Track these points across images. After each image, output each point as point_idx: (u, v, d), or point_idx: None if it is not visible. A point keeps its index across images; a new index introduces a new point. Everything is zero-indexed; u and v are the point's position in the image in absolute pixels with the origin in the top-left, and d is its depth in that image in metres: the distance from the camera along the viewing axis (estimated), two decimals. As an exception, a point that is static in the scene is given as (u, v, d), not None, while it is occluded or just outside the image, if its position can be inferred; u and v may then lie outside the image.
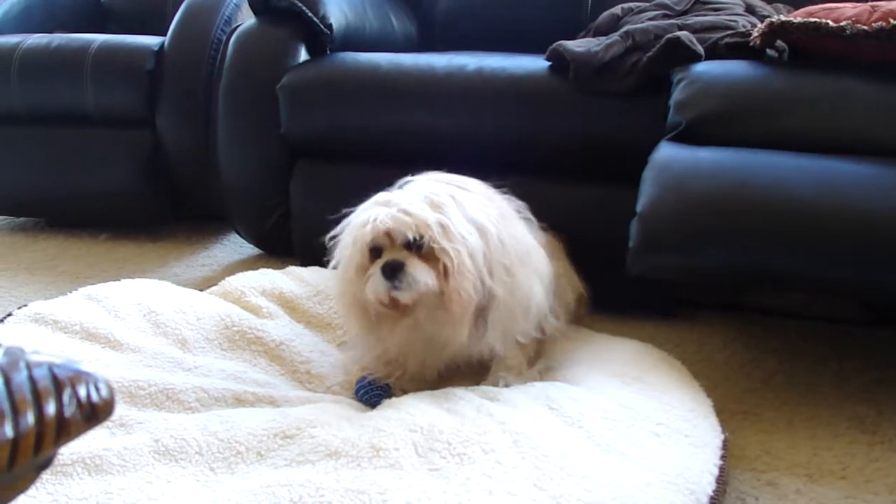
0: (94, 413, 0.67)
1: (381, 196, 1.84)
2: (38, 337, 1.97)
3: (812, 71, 2.19)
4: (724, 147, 2.05)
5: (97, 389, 0.68)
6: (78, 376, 0.67)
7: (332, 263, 1.88)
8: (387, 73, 2.61)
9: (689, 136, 2.12)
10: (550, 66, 2.50)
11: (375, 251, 1.80)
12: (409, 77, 2.59)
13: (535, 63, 2.53)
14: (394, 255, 1.76)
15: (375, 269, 1.77)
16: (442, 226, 1.75)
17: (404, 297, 1.76)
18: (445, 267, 1.74)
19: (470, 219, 1.80)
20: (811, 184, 1.91)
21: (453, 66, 2.57)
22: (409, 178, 1.89)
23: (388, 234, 1.76)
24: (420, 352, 1.89)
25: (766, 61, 2.30)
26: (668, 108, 2.20)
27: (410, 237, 1.75)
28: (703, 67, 2.25)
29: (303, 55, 2.81)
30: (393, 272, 1.74)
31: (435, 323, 1.81)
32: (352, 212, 1.86)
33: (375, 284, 1.77)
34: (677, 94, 2.19)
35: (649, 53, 2.33)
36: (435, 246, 1.74)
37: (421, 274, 1.74)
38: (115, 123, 3.15)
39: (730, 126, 2.12)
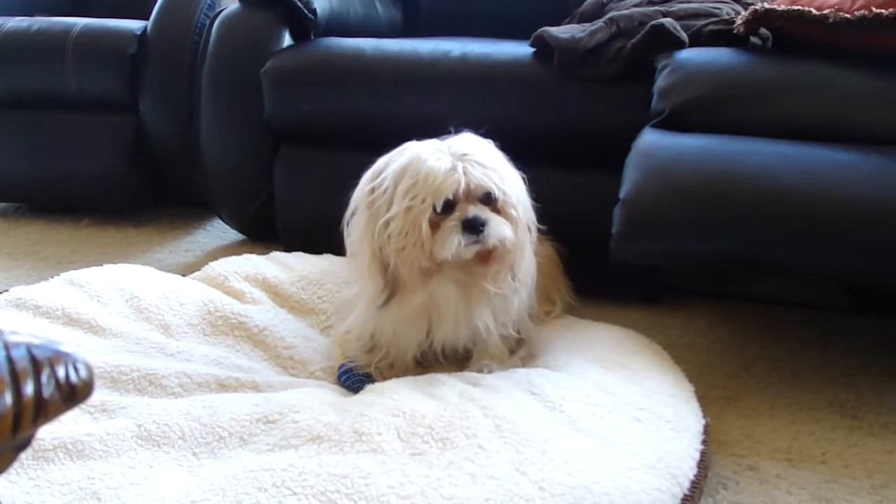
0: (73, 394, 0.67)
1: (430, 143, 1.79)
2: (20, 322, 1.96)
3: (795, 58, 2.20)
4: (708, 134, 2.06)
5: (76, 370, 0.67)
6: (57, 357, 0.66)
7: (361, 220, 1.81)
8: (371, 58, 2.61)
9: (672, 122, 2.13)
10: (535, 52, 2.50)
11: (446, 203, 1.73)
12: (393, 63, 2.58)
13: (519, 49, 2.53)
14: (472, 209, 1.73)
15: (453, 224, 1.72)
16: (511, 179, 1.77)
17: (467, 252, 1.74)
18: (510, 219, 1.76)
19: (514, 171, 1.83)
20: (794, 171, 1.92)
21: (438, 51, 2.56)
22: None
23: (469, 186, 1.72)
24: (453, 311, 1.85)
25: (749, 49, 2.30)
26: (652, 94, 2.20)
27: (494, 194, 1.74)
28: (687, 54, 2.26)
29: (286, 40, 2.80)
30: (476, 228, 1.71)
31: (472, 275, 1.82)
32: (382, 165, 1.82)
33: (454, 240, 1.71)
34: (661, 81, 2.20)
35: (633, 40, 2.33)
36: (507, 199, 1.75)
37: (502, 228, 1.73)
38: (98, 108, 3.13)
39: (713, 113, 2.13)
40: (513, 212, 1.76)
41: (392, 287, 1.79)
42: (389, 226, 1.74)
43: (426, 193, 1.71)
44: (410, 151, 1.78)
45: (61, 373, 0.65)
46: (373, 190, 1.79)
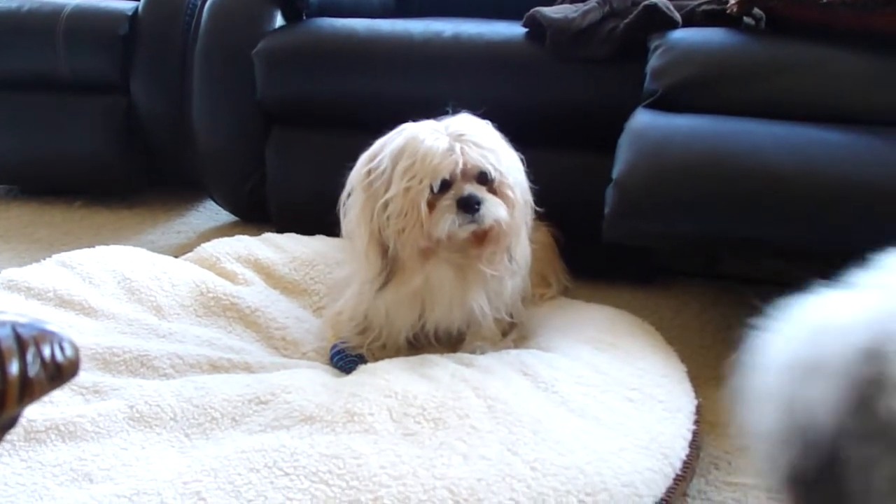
0: (59, 373, 0.67)
1: (428, 123, 1.79)
2: (11, 304, 1.96)
3: (789, 39, 2.20)
4: (701, 114, 2.06)
5: (62, 349, 0.67)
6: (42, 335, 0.66)
7: (358, 201, 1.80)
8: (364, 39, 2.60)
9: (665, 103, 2.12)
10: (527, 32, 2.49)
11: (443, 182, 1.73)
12: (385, 43, 2.57)
13: (511, 30, 2.52)
14: (467, 188, 1.73)
15: (449, 203, 1.73)
16: (508, 161, 1.77)
17: (463, 232, 1.75)
18: (506, 200, 1.76)
19: (512, 152, 1.83)
20: (786, 151, 1.92)
21: (430, 32, 2.55)
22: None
23: (466, 166, 1.73)
24: (448, 294, 1.85)
25: (743, 29, 2.30)
26: (645, 75, 2.20)
27: (490, 174, 1.74)
28: (680, 35, 2.25)
29: (279, 21, 2.78)
30: (471, 208, 1.71)
31: (468, 257, 1.82)
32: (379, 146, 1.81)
33: (450, 219, 1.72)
34: (654, 62, 2.19)
35: (626, 20, 2.33)
36: (503, 180, 1.75)
37: (497, 209, 1.74)
38: (89, 89, 3.11)
39: (706, 93, 2.12)
40: (509, 193, 1.76)
41: (390, 269, 1.79)
42: (388, 207, 1.74)
43: (424, 174, 1.71)
44: (408, 132, 1.77)
45: (47, 352, 0.65)
46: (370, 172, 1.79)
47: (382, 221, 1.75)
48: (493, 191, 1.76)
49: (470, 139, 1.73)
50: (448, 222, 1.72)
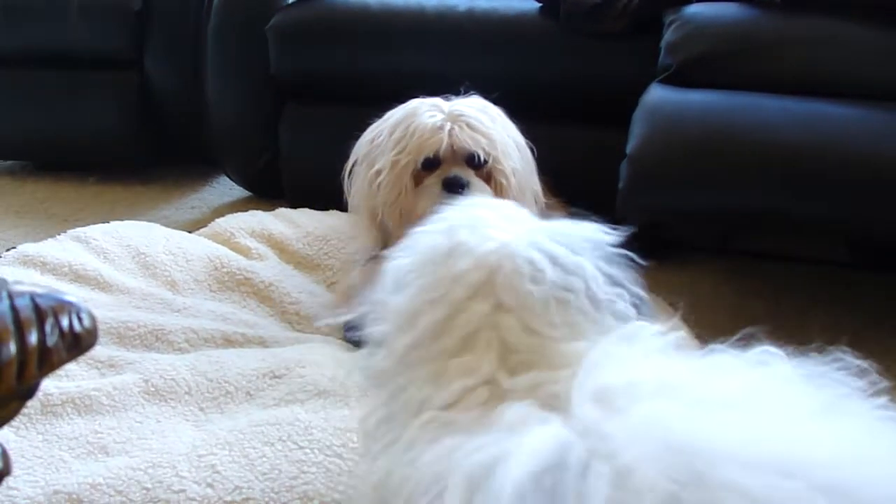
0: (77, 342, 0.67)
1: (432, 100, 1.78)
2: (27, 279, 1.96)
3: (803, 13, 2.19)
4: (715, 89, 2.06)
5: (80, 319, 0.67)
6: (61, 306, 0.67)
7: (360, 169, 1.81)
8: (377, 13, 2.59)
9: (679, 78, 2.12)
10: (542, 7, 2.48)
11: (431, 162, 1.73)
12: (399, 18, 2.57)
13: (526, 4, 2.52)
14: (456, 170, 1.72)
15: (434, 182, 1.73)
16: (504, 146, 1.75)
17: None
18: (497, 185, 1.74)
19: (516, 139, 1.81)
20: (799, 126, 1.91)
21: (444, 6, 2.55)
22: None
23: (455, 149, 1.72)
24: None
25: (757, 3, 2.28)
26: (660, 49, 2.19)
27: (481, 156, 1.73)
28: (695, 9, 2.25)
29: (292, -5, 2.79)
30: (456, 190, 1.70)
31: None
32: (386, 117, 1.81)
33: (433, 198, 1.70)
34: (668, 36, 2.19)
35: (641, -6, 2.32)
36: (496, 166, 1.74)
37: (483, 193, 1.72)
38: (103, 65, 3.12)
39: (721, 68, 2.12)
40: (503, 180, 1.75)
41: (384, 241, 1.79)
42: (379, 176, 1.75)
43: (411, 148, 1.71)
44: (409, 106, 1.78)
45: (65, 322, 0.66)
46: (372, 140, 1.81)
47: (374, 190, 1.76)
48: (484, 175, 1.75)
49: (466, 120, 1.73)
50: (431, 200, 1.70)
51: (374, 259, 1.81)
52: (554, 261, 0.97)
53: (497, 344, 0.94)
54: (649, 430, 0.78)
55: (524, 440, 0.80)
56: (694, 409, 0.81)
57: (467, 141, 1.71)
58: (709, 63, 2.12)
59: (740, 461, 0.73)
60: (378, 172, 1.75)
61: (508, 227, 1.03)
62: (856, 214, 1.83)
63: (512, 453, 0.79)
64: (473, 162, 1.74)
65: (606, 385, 0.85)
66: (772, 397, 0.85)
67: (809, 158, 1.85)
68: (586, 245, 1.02)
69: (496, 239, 0.99)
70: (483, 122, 1.75)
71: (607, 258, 1.03)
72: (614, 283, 1.01)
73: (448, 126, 1.71)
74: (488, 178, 1.75)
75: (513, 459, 0.78)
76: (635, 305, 1.02)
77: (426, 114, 1.73)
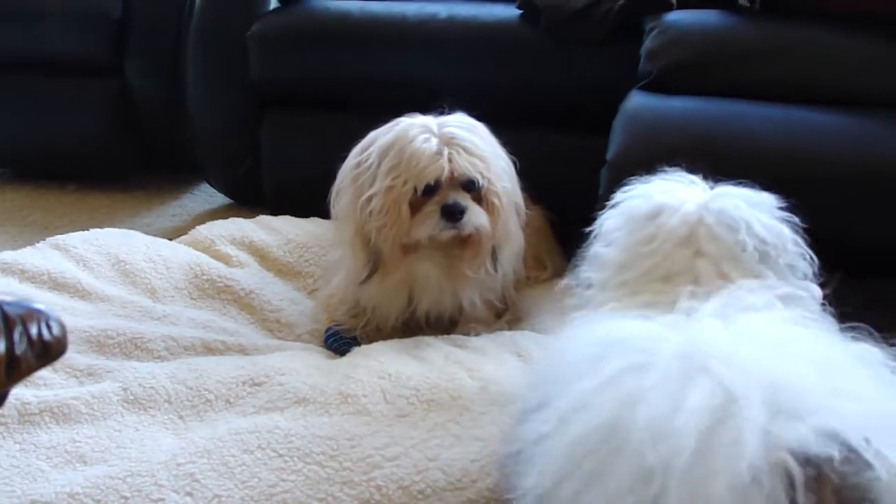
0: (46, 351, 0.67)
1: (422, 121, 1.77)
2: (5, 287, 1.95)
3: (784, 20, 2.21)
4: (695, 96, 2.06)
5: (48, 327, 0.67)
6: (29, 314, 0.66)
7: (347, 193, 1.81)
8: (357, 20, 2.59)
9: (659, 84, 2.12)
10: (522, 13, 2.48)
11: (428, 187, 1.73)
12: (379, 25, 2.56)
13: (506, 11, 2.52)
14: (453, 195, 1.73)
15: (433, 209, 1.73)
16: (497, 167, 1.76)
17: (445, 235, 1.75)
18: (490, 206, 1.75)
19: (503, 157, 1.82)
20: (781, 134, 1.92)
21: (424, 13, 2.55)
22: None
23: (452, 173, 1.72)
24: (436, 287, 1.86)
25: (738, 10, 2.30)
26: (640, 56, 2.19)
27: (479, 181, 1.73)
28: (675, 16, 2.25)
29: (273, 2, 2.78)
30: (455, 216, 1.72)
31: (439, 263, 1.82)
32: (369, 141, 1.80)
33: (432, 225, 1.72)
34: (648, 43, 2.19)
35: (621, 1, 2.32)
36: (491, 188, 1.75)
37: (479, 217, 1.74)
38: (83, 72, 3.10)
39: (701, 75, 2.13)
40: (495, 200, 1.76)
41: (374, 263, 1.79)
42: (371, 202, 1.74)
43: (408, 176, 1.71)
44: (398, 129, 1.77)
45: (34, 330, 0.65)
46: (359, 164, 1.79)
47: (365, 216, 1.75)
48: (478, 198, 1.76)
49: (461, 144, 1.73)
50: (430, 227, 1.73)
51: (365, 282, 1.81)
52: (748, 219, 1.22)
53: (691, 283, 1.16)
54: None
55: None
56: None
57: (467, 167, 1.71)
58: (689, 70, 2.12)
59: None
60: (370, 198, 1.74)
61: (694, 191, 1.29)
62: (840, 221, 1.84)
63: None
64: (470, 186, 1.74)
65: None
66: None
67: (790, 165, 1.85)
68: (769, 206, 1.27)
69: (692, 200, 1.26)
70: (477, 145, 1.75)
71: (784, 220, 1.26)
72: (796, 243, 1.25)
73: (446, 152, 1.71)
74: (481, 200, 1.76)
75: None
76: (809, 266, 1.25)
77: (420, 138, 1.72)
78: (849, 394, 0.89)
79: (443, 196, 1.73)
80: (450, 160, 1.70)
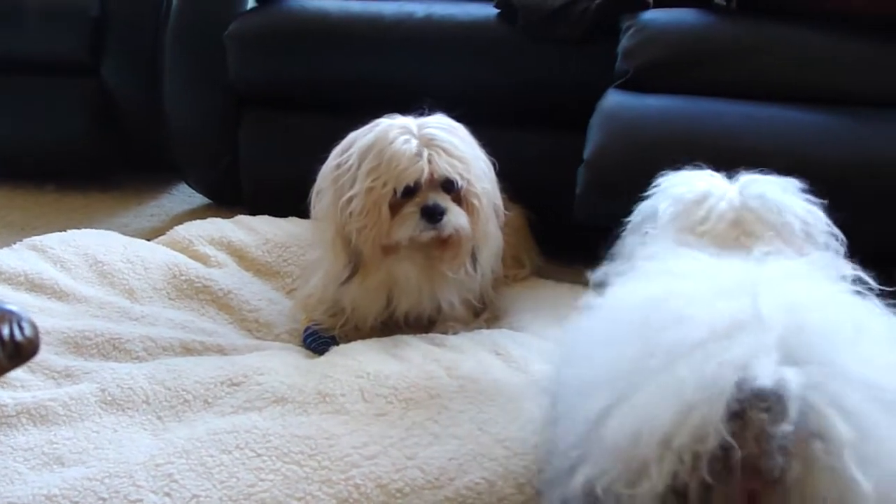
0: (18, 351, 0.67)
1: (402, 122, 1.78)
2: (-18, 288, 1.95)
3: (759, 19, 2.22)
4: (671, 95, 2.08)
5: (20, 328, 0.67)
6: (1, 315, 0.66)
7: (327, 194, 1.81)
8: (336, 20, 2.59)
9: (636, 83, 2.14)
10: (499, 13, 2.49)
11: (408, 189, 1.73)
12: (357, 24, 2.56)
13: (484, 10, 2.52)
14: (433, 196, 1.73)
15: (413, 210, 1.73)
16: (476, 168, 1.77)
17: (425, 236, 1.75)
18: (470, 206, 1.76)
19: (483, 159, 1.83)
20: (757, 130, 1.94)
21: (402, 13, 2.55)
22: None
23: (432, 174, 1.72)
24: (415, 288, 1.86)
25: (714, 9, 2.31)
26: (617, 55, 2.20)
27: (458, 182, 1.73)
28: (652, 15, 2.27)
29: (251, 2, 2.77)
30: (435, 217, 1.72)
31: (419, 264, 1.83)
32: (349, 141, 1.81)
33: (412, 226, 1.73)
34: (625, 42, 2.20)
35: (597, 0, 2.33)
36: (470, 189, 1.75)
37: (458, 218, 1.74)
38: (60, 71, 3.08)
39: (677, 74, 2.14)
40: (475, 201, 1.76)
41: (355, 264, 1.79)
42: (351, 203, 1.74)
43: (388, 177, 1.71)
44: (378, 130, 1.77)
45: (5, 331, 0.65)
46: (338, 165, 1.79)
47: (346, 217, 1.75)
48: (458, 199, 1.76)
49: (440, 145, 1.73)
50: (410, 228, 1.73)
51: (347, 282, 1.82)
52: (787, 201, 1.35)
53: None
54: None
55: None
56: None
57: (446, 168, 1.72)
58: (665, 68, 2.14)
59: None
60: (350, 199, 1.74)
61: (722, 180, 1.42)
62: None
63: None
64: (450, 187, 1.75)
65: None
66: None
67: (767, 163, 1.86)
68: (797, 189, 1.39)
69: (730, 187, 1.38)
70: (457, 146, 1.75)
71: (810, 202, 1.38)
72: (827, 223, 1.37)
73: (426, 153, 1.71)
74: (461, 201, 1.76)
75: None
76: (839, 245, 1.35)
77: (400, 139, 1.72)
78: (868, 360, 0.94)
79: (423, 197, 1.73)
80: (429, 161, 1.71)
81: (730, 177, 1.44)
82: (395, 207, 1.74)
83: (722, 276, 1.08)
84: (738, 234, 1.33)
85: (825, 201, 1.39)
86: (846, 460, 0.86)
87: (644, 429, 0.90)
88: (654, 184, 1.48)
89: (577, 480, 0.96)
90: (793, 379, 0.87)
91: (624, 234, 1.51)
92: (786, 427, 0.85)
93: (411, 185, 1.72)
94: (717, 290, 1.02)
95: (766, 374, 0.87)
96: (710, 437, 0.87)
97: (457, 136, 1.78)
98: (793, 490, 0.87)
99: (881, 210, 1.86)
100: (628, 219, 1.51)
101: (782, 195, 1.37)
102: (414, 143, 1.72)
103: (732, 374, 0.88)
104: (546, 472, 1.10)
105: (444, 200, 1.74)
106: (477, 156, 1.81)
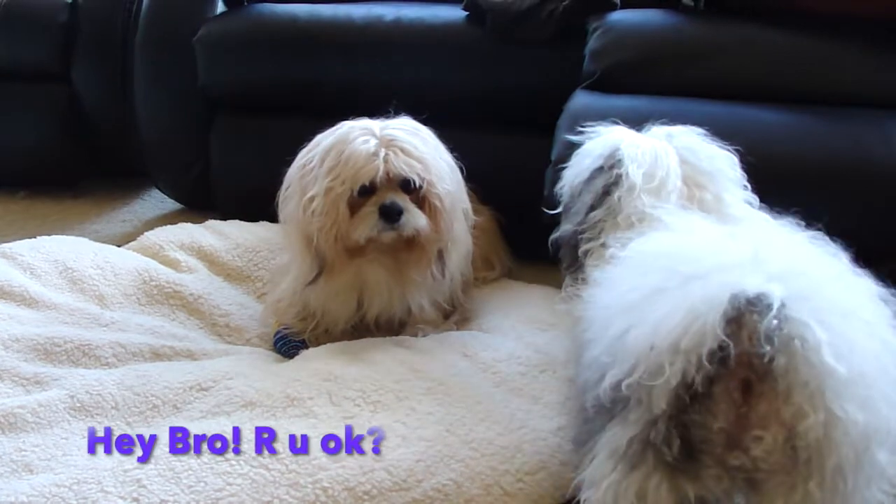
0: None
1: (364, 124, 1.78)
2: (-49, 296, 1.94)
3: (726, 20, 2.23)
4: (639, 95, 2.08)
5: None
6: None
7: (293, 195, 1.82)
8: (305, 24, 2.59)
9: (604, 84, 2.15)
10: (468, 15, 2.49)
11: (365, 188, 1.74)
12: (326, 28, 2.56)
13: (452, 13, 2.53)
14: (391, 196, 1.73)
15: (371, 210, 1.73)
16: (437, 170, 1.76)
17: (387, 237, 1.75)
18: (431, 208, 1.76)
19: (447, 161, 1.82)
20: (724, 131, 1.94)
21: (371, 16, 2.55)
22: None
23: (388, 173, 1.73)
24: (386, 292, 1.86)
25: (681, 10, 2.32)
26: (584, 56, 2.21)
27: (416, 181, 1.73)
28: (619, 16, 2.27)
29: (219, 7, 2.77)
30: (393, 217, 1.72)
31: (386, 266, 1.83)
32: (318, 141, 1.81)
33: (370, 225, 1.73)
34: (592, 43, 2.21)
35: (565, 2, 2.33)
36: (430, 189, 1.75)
37: (418, 218, 1.74)
38: (29, 78, 3.07)
39: (644, 74, 2.15)
40: (437, 202, 1.76)
41: (319, 265, 1.80)
42: (313, 203, 1.75)
43: (346, 176, 1.72)
44: (340, 131, 1.78)
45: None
46: (303, 166, 1.80)
47: (308, 216, 1.76)
48: (418, 199, 1.76)
49: (399, 145, 1.74)
50: (368, 228, 1.73)
51: (312, 283, 1.82)
52: (705, 150, 1.53)
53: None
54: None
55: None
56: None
57: (402, 167, 1.72)
58: (632, 69, 2.15)
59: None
60: (312, 199, 1.75)
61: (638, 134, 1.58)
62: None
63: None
64: (408, 187, 1.75)
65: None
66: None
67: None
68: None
69: (659, 143, 1.52)
70: (417, 146, 1.75)
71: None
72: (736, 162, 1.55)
73: (383, 153, 1.72)
74: (422, 202, 1.76)
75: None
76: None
77: (359, 139, 1.73)
78: (842, 293, 1.12)
79: (381, 197, 1.74)
80: (386, 160, 1.71)
81: (639, 129, 1.59)
82: (354, 208, 1.75)
83: (729, 232, 1.23)
84: (690, 187, 1.48)
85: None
86: (823, 353, 1.03)
87: (659, 336, 1.08)
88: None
89: (607, 382, 1.13)
90: (777, 289, 1.04)
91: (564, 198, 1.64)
92: (772, 321, 1.02)
93: (367, 184, 1.73)
94: (723, 240, 1.19)
95: (755, 287, 1.05)
96: (708, 337, 1.04)
97: (418, 138, 1.78)
98: (780, 379, 1.04)
99: (845, 208, 1.87)
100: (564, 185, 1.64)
101: (703, 143, 1.54)
102: (373, 142, 1.73)
103: (729, 290, 1.05)
104: (580, 384, 1.26)
105: (403, 200, 1.74)
106: (439, 158, 1.81)
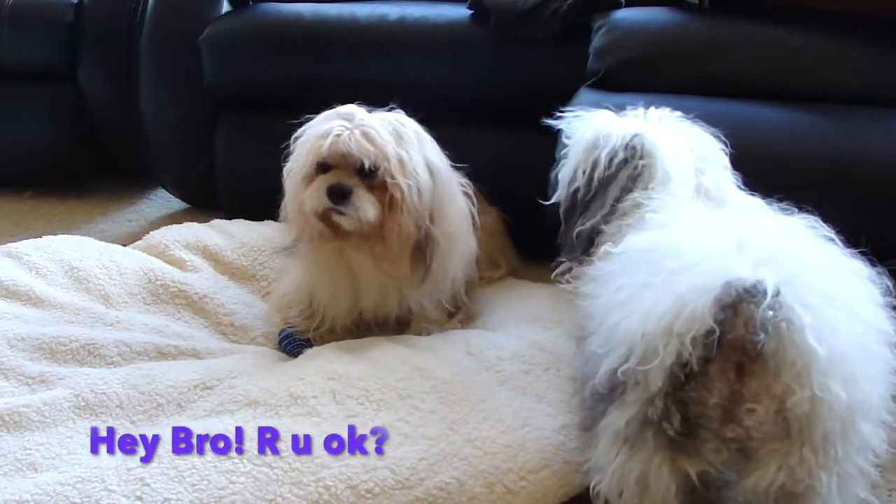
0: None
1: (346, 109, 1.79)
2: (-44, 295, 1.95)
3: (730, 18, 2.23)
4: (643, 93, 2.07)
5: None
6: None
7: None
8: (309, 23, 2.59)
9: (608, 82, 2.15)
10: (472, 14, 2.49)
11: (324, 166, 1.75)
12: (331, 27, 2.56)
13: (456, 11, 2.53)
14: (342, 177, 1.73)
15: (319, 186, 1.74)
16: (401, 161, 1.74)
17: (345, 222, 1.75)
18: (392, 200, 1.74)
19: (426, 158, 1.80)
20: (727, 129, 1.94)
21: (376, 15, 2.55)
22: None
23: (343, 155, 1.72)
24: (377, 283, 1.86)
25: (685, 8, 2.32)
26: (589, 55, 2.21)
27: (366, 165, 1.72)
28: (623, 14, 2.28)
29: (225, 6, 2.77)
30: (338, 196, 1.72)
31: (370, 256, 1.82)
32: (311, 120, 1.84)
33: (316, 198, 1.73)
34: (597, 42, 2.21)
35: (569, 0, 2.33)
36: (388, 179, 1.73)
37: (365, 205, 1.73)
38: (35, 78, 3.08)
39: (649, 73, 2.15)
40: (397, 194, 1.73)
41: (297, 237, 1.85)
42: (288, 178, 1.81)
43: (304, 150, 1.76)
44: (324, 114, 1.81)
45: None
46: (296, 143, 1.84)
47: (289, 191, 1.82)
48: (378, 187, 1.74)
49: (363, 129, 1.73)
50: (315, 201, 1.74)
51: (289, 250, 1.90)
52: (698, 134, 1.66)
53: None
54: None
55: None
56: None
57: (352, 147, 1.71)
58: (636, 67, 2.15)
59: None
60: (288, 171, 1.81)
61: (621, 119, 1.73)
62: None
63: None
64: (365, 174, 1.74)
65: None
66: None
67: (738, 160, 1.88)
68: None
69: (666, 133, 1.64)
70: (380, 134, 1.74)
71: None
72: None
73: (338, 132, 1.72)
74: (383, 193, 1.75)
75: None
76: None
77: (329, 120, 1.76)
78: (824, 278, 1.20)
79: (335, 176, 1.74)
80: (337, 139, 1.71)
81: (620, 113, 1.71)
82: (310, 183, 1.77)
83: (713, 222, 1.33)
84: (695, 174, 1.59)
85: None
86: (807, 335, 1.11)
87: (649, 324, 1.17)
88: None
89: (602, 370, 1.22)
90: (769, 276, 1.12)
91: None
92: (767, 311, 1.11)
93: (321, 160, 1.74)
94: (708, 232, 1.26)
95: (747, 274, 1.13)
96: (699, 322, 1.13)
97: (391, 128, 1.77)
98: (769, 360, 1.13)
99: (847, 205, 1.87)
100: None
101: (692, 127, 1.66)
102: (336, 122, 1.74)
103: (719, 278, 1.13)
104: (583, 376, 1.35)
105: (354, 183, 1.73)
106: (420, 154, 1.79)
